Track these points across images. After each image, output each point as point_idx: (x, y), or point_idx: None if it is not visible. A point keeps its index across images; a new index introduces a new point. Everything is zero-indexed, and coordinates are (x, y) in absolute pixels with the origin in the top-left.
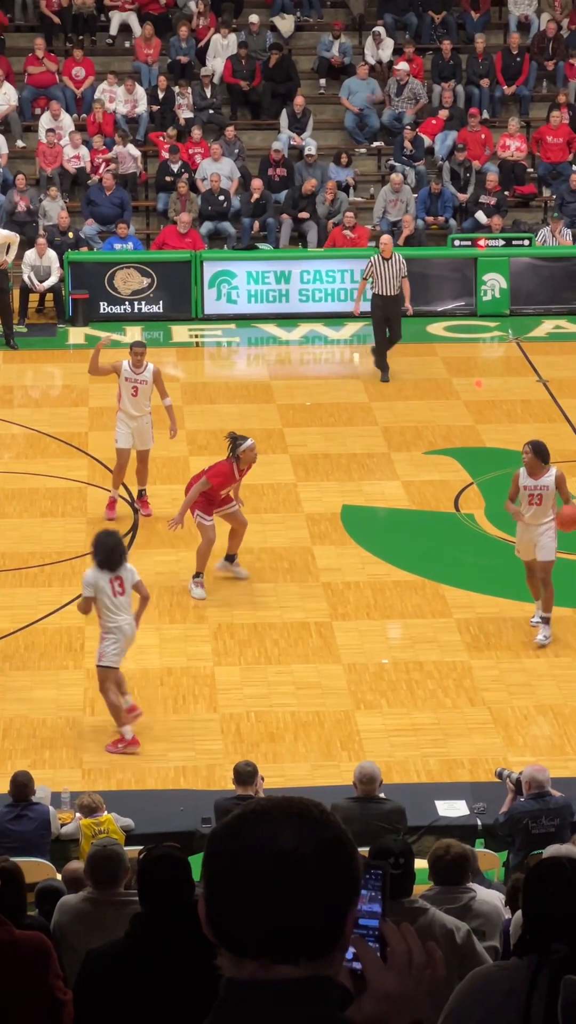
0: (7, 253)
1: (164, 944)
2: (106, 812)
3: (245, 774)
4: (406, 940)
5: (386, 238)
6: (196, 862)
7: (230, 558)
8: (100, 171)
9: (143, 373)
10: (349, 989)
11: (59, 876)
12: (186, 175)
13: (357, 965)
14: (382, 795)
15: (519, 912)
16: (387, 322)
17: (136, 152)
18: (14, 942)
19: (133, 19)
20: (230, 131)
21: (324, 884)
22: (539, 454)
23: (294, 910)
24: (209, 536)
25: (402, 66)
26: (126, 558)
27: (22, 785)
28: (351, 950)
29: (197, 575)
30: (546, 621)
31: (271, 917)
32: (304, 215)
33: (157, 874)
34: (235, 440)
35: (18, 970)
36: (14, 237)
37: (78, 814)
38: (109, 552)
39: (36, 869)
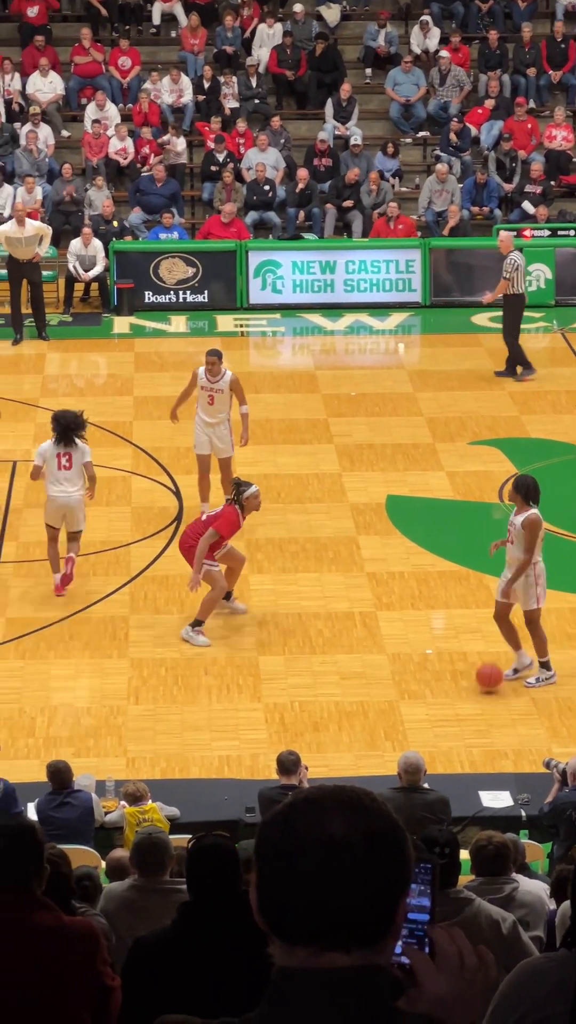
0: (39, 246)
1: (212, 932)
2: (151, 801)
3: (289, 763)
4: (456, 943)
5: (504, 235)
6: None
7: (227, 595)
8: (151, 161)
9: (219, 381)
10: (401, 979)
11: (103, 864)
12: (231, 165)
13: (406, 959)
14: (426, 785)
15: (566, 903)
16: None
17: (181, 142)
18: (62, 928)
19: (179, 9)
20: (275, 121)
21: (375, 872)
22: (518, 489)
23: (345, 898)
24: (221, 584)
25: (444, 54)
26: (81, 437)
27: (60, 772)
28: (398, 946)
29: (198, 623)
30: (544, 666)
31: (322, 905)
32: (348, 204)
33: (206, 863)
34: (239, 486)
35: (67, 956)
36: (46, 230)
37: (123, 802)
38: (64, 429)
39: (80, 856)
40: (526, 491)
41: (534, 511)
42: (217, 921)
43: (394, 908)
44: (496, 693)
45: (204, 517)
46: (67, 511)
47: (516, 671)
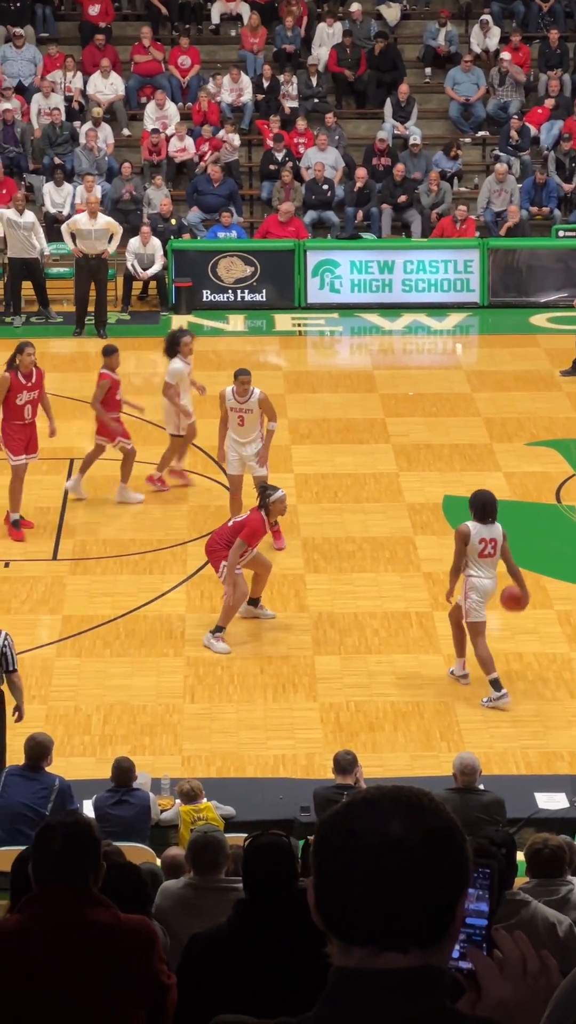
0: (110, 243)
1: (268, 931)
2: (205, 799)
3: (345, 763)
4: (519, 947)
5: None
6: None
7: (254, 601)
8: (206, 159)
9: (248, 401)
10: (460, 980)
11: (158, 861)
12: (290, 164)
13: (464, 965)
14: (481, 786)
15: None
16: None
17: (235, 139)
18: (119, 924)
19: (243, 8)
20: (330, 117)
21: (434, 872)
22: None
23: (403, 898)
24: (243, 589)
25: (505, 55)
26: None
27: (125, 771)
28: (457, 949)
29: (219, 629)
30: (493, 685)
31: (380, 904)
32: (402, 199)
33: (263, 861)
34: (265, 490)
35: (123, 953)
36: (117, 227)
37: (178, 800)
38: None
39: (136, 854)
40: (472, 504)
41: (466, 523)
42: (273, 919)
43: (452, 909)
44: (521, 612)
45: (231, 523)
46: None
47: (453, 673)
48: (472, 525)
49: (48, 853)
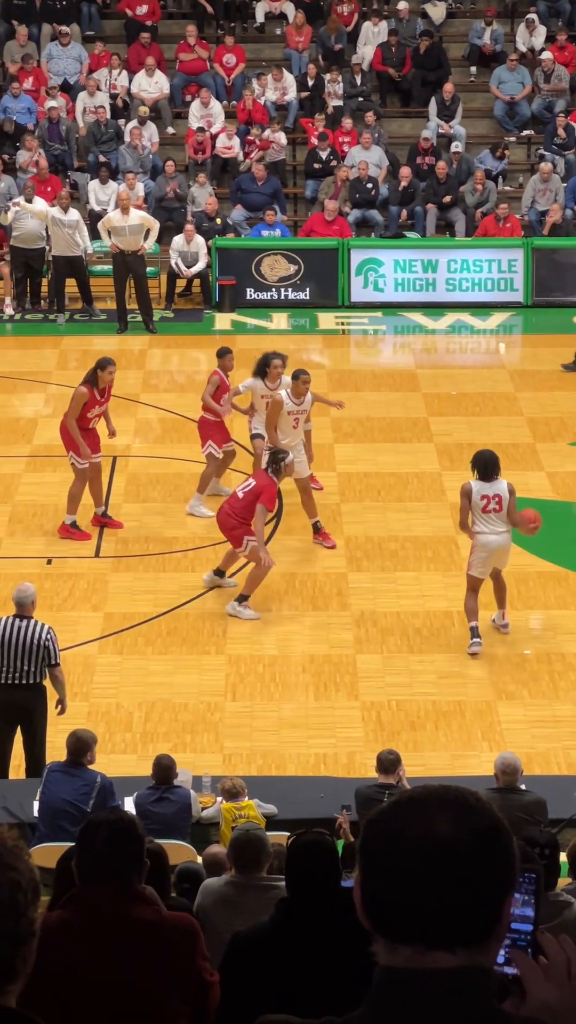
0: (146, 239)
1: (311, 929)
2: (247, 797)
3: (388, 762)
4: (565, 951)
5: None
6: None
7: (221, 573)
8: (251, 157)
9: (304, 403)
10: (506, 982)
11: (199, 859)
12: (349, 164)
13: (510, 970)
14: (523, 787)
15: None
16: None
17: (281, 137)
18: (163, 922)
19: (288, 6)
20: (370, 116)
21: (481, 871)
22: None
23: (450, 896)
24: (268, 560)
25: (547, 54)
26: None
27: (166, 768)
28: (502, 953)
29: (244, 598)
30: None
31: (427, 903)
32: (447, 198)
33: (306, 860)
34: (277, 455)
35: (166, 950)
36: (154, 223)
37: (220, 798)
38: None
39: (177, 851)
40: (473, 464)
41: (468, 482)
42: (315, 918)
43: (499, 907)
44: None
45: (241, 495)
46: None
47: (494, 622)
48: (474, 483)
49: (92, 850)
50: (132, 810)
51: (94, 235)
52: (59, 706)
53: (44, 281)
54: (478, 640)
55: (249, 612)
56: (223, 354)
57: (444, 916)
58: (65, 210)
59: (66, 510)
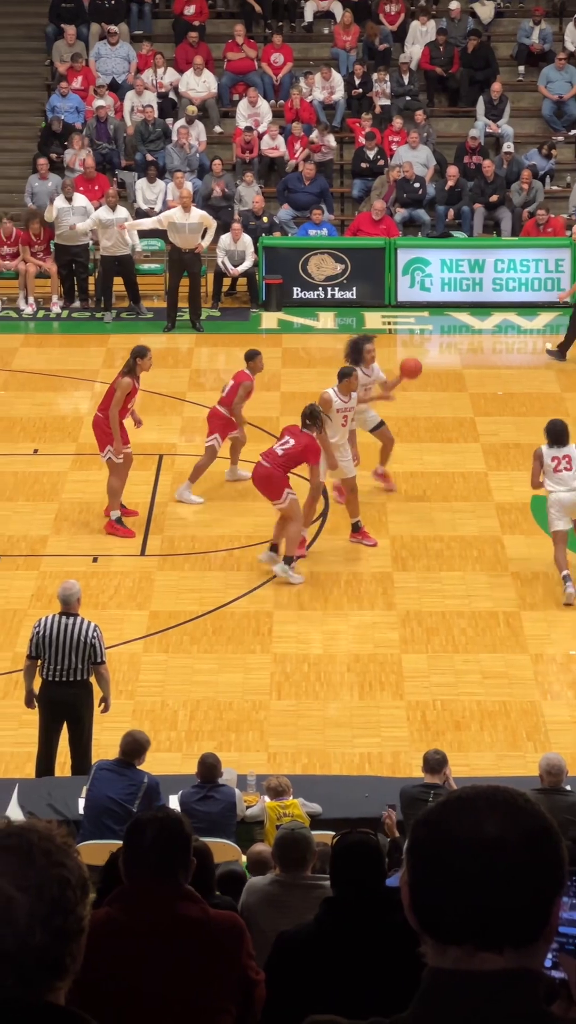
0: (203, 238)
1: (356, 929)
2: (292, 796)
3: (435, 762)
4: None
5: None
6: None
7: (275, 548)
8: (298, 156)
9: (352, 400)
10: (554, 985)
11: (244, 857)
12: (381, 162)
13: (557, 974)
14: (568, 787)
15: None
16: None
17: (331, 139)
18: (209, 920)
19: (335, 5)
20: (419, 115)
21: (530, 871)
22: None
23: (499, 897)
24: (299, 514)
25: None
26: None
27: (211, 767)
28: (550, 957)
29: (290, 559)
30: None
31: (476, 904)
32: (494, 198)
33: (352, 859)
34: (314, 410)
35: (213, 948)
36: (211, 221)
37: (264, 796)
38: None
39: (222, 849)
40: (547, 432)
41: (540, 447)
42: (361, 918)
43: (548, 909)
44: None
45: (280, 451)
46: None
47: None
48: (544, 448)
49: (139, 848)
50: (177, 808)
51: (141, 234)
52: (103, 704)
53: (91, 279)
54: (572, 587)
55: (298, 577)
56: (253, 356)
57: (493, 917)
58: (113, 208)
59: (108, 507)
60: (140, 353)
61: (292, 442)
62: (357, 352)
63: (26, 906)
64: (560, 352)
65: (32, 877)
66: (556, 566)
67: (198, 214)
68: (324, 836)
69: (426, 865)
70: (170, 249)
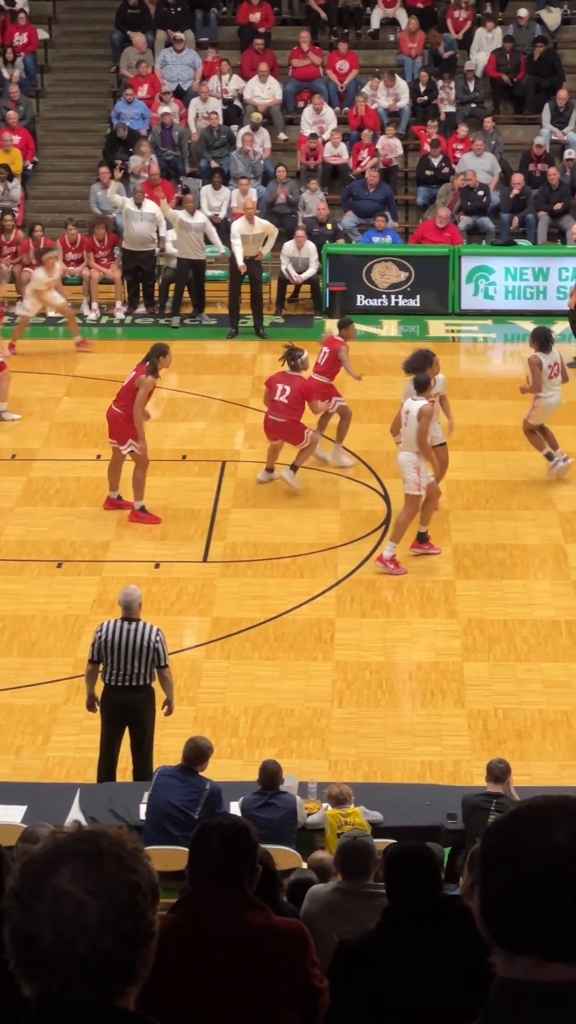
0: (264, 245)
1: (416, 937)
2: (353, 804)
3: (498, 771)
4: None
5: None
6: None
7: (271, 469)
8: (364, 164)
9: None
10: None
11: (304, 865)
12: (446, 169)
13: None
14: None
15: None
16: None
17: (398, 146)
18: (274, 927)
19: (400, 13)
20: (488, 122)
21: None
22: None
23: (569, 907)
24: (314, 443)
25: None
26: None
27: (272, 774)
28: None
29: (295, 468)
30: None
31: (545, 914)
32: (559, 205)
33: (405, 867)
34: (293, 352)
35: (277, 956)
36: (273, 230)
37: (326, 804)
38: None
39: (283, 857)
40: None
41: (535, 354)
42: (421, 925)
43: None
44: None
45: (285, 400)
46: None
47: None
48: (540, 355)
49: (205, 854)
50: (238, 814)
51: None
52: (166, 707)
53: (156, 284)
54: (558, 458)
55: (297, 484)
56: (347, 324)
57: (563, 926)
58: (192, 213)
59: (134, 497)
60: (162, 351)
61: (288, 388)
62: (427, 362)
63: (96, 911)
64: None
65: (102, 882)
66: (536, 447)
67: (261, 224)
68: (385, 844)
69: (496, 874)
70: (231, 257)
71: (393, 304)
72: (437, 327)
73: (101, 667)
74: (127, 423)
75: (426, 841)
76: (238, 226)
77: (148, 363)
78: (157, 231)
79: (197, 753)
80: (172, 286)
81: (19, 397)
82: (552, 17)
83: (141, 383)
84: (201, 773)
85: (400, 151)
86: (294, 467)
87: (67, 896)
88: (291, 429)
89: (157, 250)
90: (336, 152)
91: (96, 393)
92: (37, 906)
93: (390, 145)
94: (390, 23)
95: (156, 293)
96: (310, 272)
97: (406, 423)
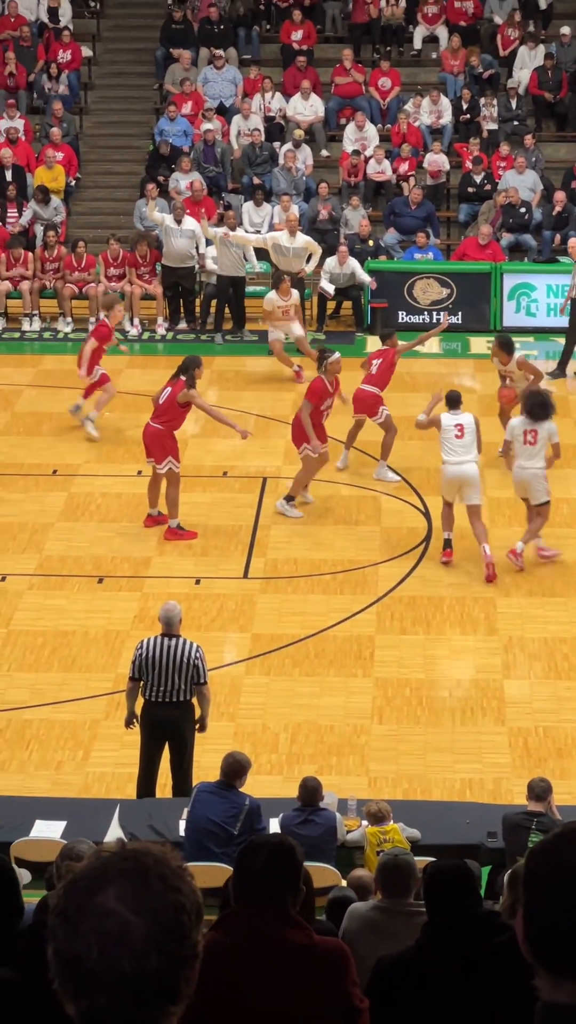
0: (307, 263)
1: (456, 955)
2: (392, 821)
3: (540, 790)
4: None
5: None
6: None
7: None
8: (409, 183)
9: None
10: None
11: (344, 882)
12: (488, 186)
13: None
14: None
15: None
16: None
17: (444, 161)
18: (315, 946)
19: (441, 30)
20: (529, 140)
21: None
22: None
23: None
24: (312, 467)
25: None
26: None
27: (312, 790)
28: None
29: (291, 498)
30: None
31: None
32: None
33: (446, 884)
34: (323, 353)
35: (318, 975)
36: (316, 247)
37: (364, 821)
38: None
39: (322, 874)
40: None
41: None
42: (460, 943)
43: None
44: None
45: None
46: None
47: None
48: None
49: (250, 871)
50: (277, 831)
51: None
52: (199, 724)
53: (197, 300)
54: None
55: (295, 512)
56: (389, 335)
57: None
58: (232, 230)
59: (168, 515)
60: (198, 363)
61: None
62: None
63: (143, 930)
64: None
65: (148, 901)
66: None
67: (303, 239)
68: (424, 862)
69: (541, 896)
70: (273, 271)
71: (435, 321)
72: (479, 344)
73: (142, 684)
74: (168, 439)
75: (465, 859)
76: (278, 235)
77: (185, 376)
78: (196, 248)
79: (235, 767)
80: (213, 303)
81: (59, 413)
82: None
83: (187, 397)
84: (240, 789)
85: (447, 167)
86: (289, 498)
87: (113, 915)
88: (295, 433)
89: (197, 267)
90: (379, 169)
91: (137, 409)
92: (82, 925)
93: (437, 161)
94: (432, 40)
95: (197, 309)
96: (364, 279)
97: (461, 435)
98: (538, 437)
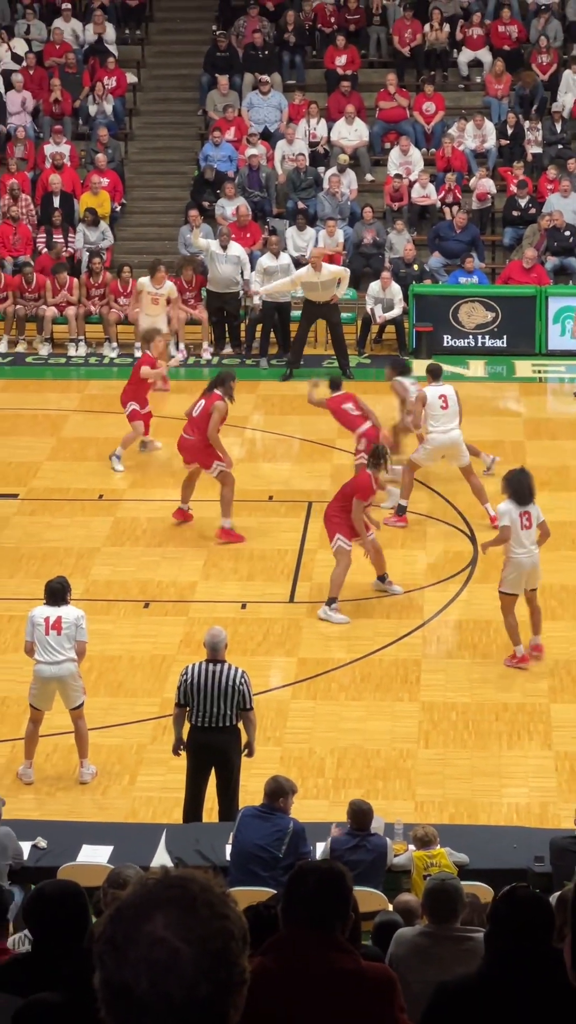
0: (337, 287)
1: (524, 985)
2: (439, 846)
3: None
4: None
5: None
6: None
7: (382, 577)
8: (452, 209)
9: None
10: None
11: (390, 907)
12: (533, 210)
13: None
14: None
15: None
16: None
17: (491, 185)
18: (362, 972)
19: (485, 54)
20: (572, 163)
21: None
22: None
23: None
24: (346, 561)
25: None
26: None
27: (364, 814)
28: None
29: (333, 600)
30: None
31: None
32: None
33: (519, 913)
34: (377, 451)
35: (366, 1001)
36: (344, 272)
37: (411, 846)
38: (520, 487)
39: (369, 899)
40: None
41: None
42: (531, 973)
43: None
44: None
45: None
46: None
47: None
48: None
49: (299, 896)
50: (326, 855)
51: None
52: (247, 749)
53: (241, 326)
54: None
55: (339, 616)
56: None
57: None
58: (276, 256)
59: (222, 515)
60: (232, 376)
61: (349, 484)
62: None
63: (192, 958)
64: None
65: (196, 929)
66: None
67: (329, 271)
68: (471, 887)
69: None
70: (305, 302)
71: (480, 344)
72: (524, 368)
73: (188, 709)
74: (206, 448)
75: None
76: (302, 273)
77: (220, 389)
78: (241, 273)
79: (276, 788)
80: (259, 328)
81: (105, 438)
82: None
83: (216, 408)
84: (286, 812)
85: (494, 190)
86: (330, 601)
87: (162, 943)
88: (331, 521)
89: (242, 292)
90: (424, 193)
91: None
92: (131, 953)
93: (484, 184)
94: (476, 65)
95: (243, 334)
96: (394, 312)
97: (446, 406)
98: (531, 519)
